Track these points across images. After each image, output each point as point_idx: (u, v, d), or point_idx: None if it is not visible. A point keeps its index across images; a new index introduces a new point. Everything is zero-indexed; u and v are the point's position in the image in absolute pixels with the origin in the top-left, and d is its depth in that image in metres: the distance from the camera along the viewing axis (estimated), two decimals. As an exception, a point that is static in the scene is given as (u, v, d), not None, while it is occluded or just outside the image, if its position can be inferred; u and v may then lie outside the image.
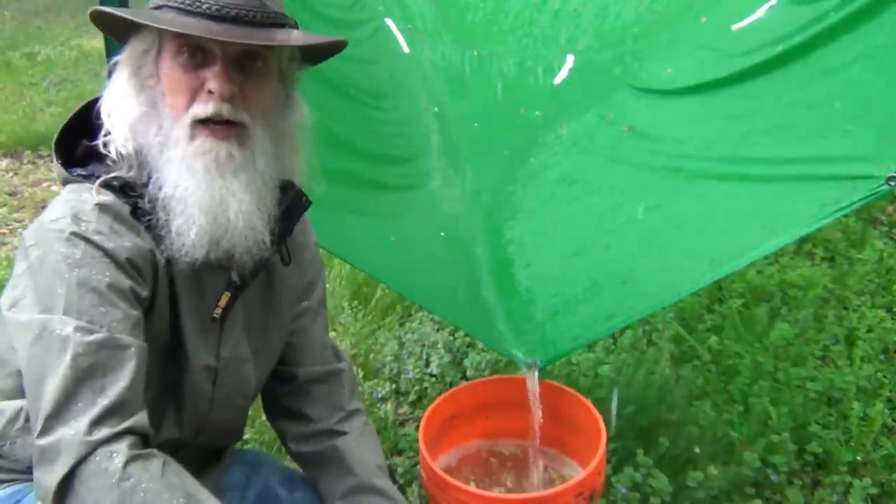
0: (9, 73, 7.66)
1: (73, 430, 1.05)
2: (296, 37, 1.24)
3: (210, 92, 1.18)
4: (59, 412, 1.06)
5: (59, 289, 1.12)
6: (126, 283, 1.16)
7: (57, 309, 1.11)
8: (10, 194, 4.93)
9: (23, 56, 8.30)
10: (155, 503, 1.05)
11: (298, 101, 1.33)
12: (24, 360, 1.13)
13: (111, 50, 2.05)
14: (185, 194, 1.19)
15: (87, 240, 1.15)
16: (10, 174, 5.31)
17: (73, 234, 1.15)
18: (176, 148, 1.20)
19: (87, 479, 1.03)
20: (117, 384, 1.10)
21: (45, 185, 5.07)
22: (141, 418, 1.12)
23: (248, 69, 1.22)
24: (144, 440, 1.12)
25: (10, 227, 4.53)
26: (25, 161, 5.49)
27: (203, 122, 1.19)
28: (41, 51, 8.47)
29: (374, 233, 2.14)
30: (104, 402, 1.07)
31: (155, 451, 1.12)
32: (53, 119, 5.96)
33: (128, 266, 1.17)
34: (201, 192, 1.19)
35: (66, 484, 1.03)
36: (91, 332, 1.10)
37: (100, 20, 1.24)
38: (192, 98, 1.19)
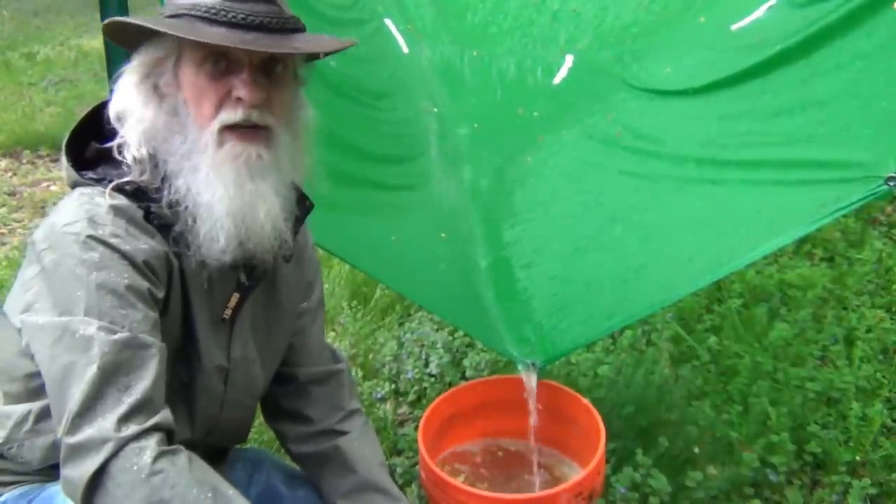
0: (8, 73, 7.66)
1: (102, 428, 1.06)
2: (317, 43, 1.27)
3: (239, 99, 1.19)
4: (87, 411, 1.08)
5: (78, 291, 1.13)
6: (144, 284, 1.17)
7: (77, 311, 1.12)
8: (9, 194, 4.93)
9: (22, 56, 8.30)
10: (184, 497, 1.07)
11: (305, 102, 1.35)
12: (44, 361, 1.13)
13: (111, 50, 2.06)
14: (213, 200, 1.20)
15: (105, 243, 1.15)
16: (10, 174, 5.31)
17: (90, 237, 1.15)
18: (204, 154, 1.20)
19: (116, 475, 1.05)
20: (142, 382, 1.11)
21: (45, 185, 5.07)
22: (166, 415, 1.14)
23: (271, 73, 1.24)
24: (170, 436, 1.13)
25: (10, 227, 4.53)
26: (25, 161, 5.49)
27: (230, 128, 1.20)
28: (41, 51, 8.47)
29: (374, 233, 2.15)
30: (130, 400, 1.09)
31: (181, 446, 1.13)
32: (53, 119, 5.96)
33: (145, 268, 1.18)
34: (230, 198, 1.20)
35: (96, 480, 1.05)
36: (114, 331, 1.12)
37: (114, 30, 1.24)
38: (219, 105, 1.20)
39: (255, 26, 1.18)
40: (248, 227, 1.22)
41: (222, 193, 1.20)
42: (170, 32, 1.18)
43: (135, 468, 1.05)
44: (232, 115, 1.20)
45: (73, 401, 1.08)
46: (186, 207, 1.21)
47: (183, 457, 1.11)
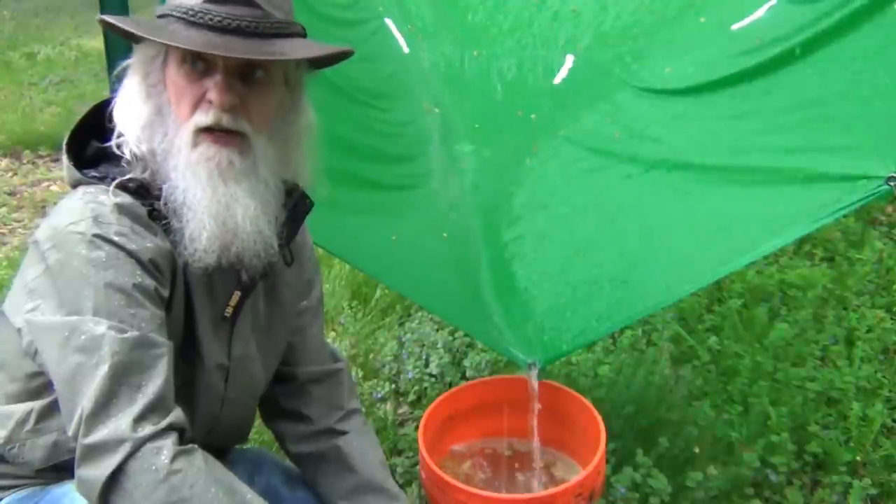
0: (9, 73, 7.66)
1: (118, 429, 1.06)
2: (297, 49, 1.24)
3: (211, 102, 1.19)
4: (101, 411, 1.07)
5: (85, 291, 1.12)
6: (151, 283, 1.17)
7: (85, 310, 1.12)
8: (9, 194, 4.93)
9: (22, 56, 8.30)
10: (203, 496, 1.07)
11: (306, 106, 1.33)
12: (53, 361, 1.13)
13: (111, 50, 2.06)
14: (194, 200, 1.20)
15: (111, 241, 1.15)
16: (10, 174, 5.31)
17: (96, 235, 1.15)
18: (179, 155, 1.20)
19: (134, 475, 1.05)
20: (154, 382, 1.11)
21: (45, 184, 5.07)
22: (179, 414, 1.14)
23: (250, 79, 1.22)
24: (183, 435, 1.13)
25: (10, 226, 4.53)
26: (25, 161, 5.49)
27: (206, 130, 1.20)
28: (41, 51, 8.48)
29: (374, 233, 2.14)
30: (144, 399, 1.09)
31: (195, 445, 1.13)
32: (53, 119, 5.96)
33: (150, 267, 1.18)
34: (208, 199, 1.20)
35: (114, 480, 1.05)
36: (124, 331, 1.11)
37: (111, 27, 1.25)
38: (195, 106, 1.20)
39: (232, 30, 1.17)
40: (229, 228, 1.22)
41: (200, 195, 1.20)
42: (139, 34, 1.18)
43: (153, 468, 1.05)
44: (204, 118, 1.19)
45: (85, 400, 1.07)
46: (174, 207, 1.21)
47: (199, 456, 1.12)
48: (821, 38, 1.94)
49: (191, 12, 1.17)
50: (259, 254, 1.26)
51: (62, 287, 1.14)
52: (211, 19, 1.17)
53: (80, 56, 8.32)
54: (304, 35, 1.27)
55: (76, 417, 1.08)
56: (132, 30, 1.18)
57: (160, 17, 1.21)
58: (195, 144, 1.20)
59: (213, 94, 1.18)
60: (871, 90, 1.79)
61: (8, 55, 8.30)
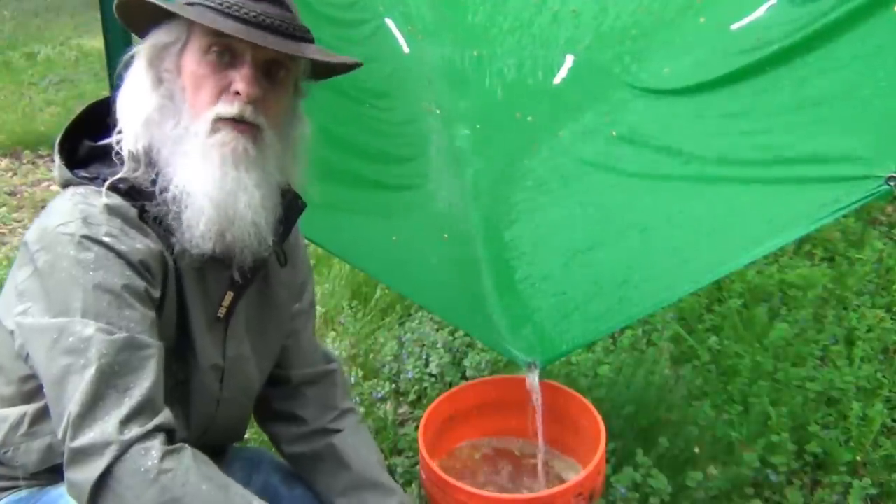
0: (9, 73, 7.68)
1: (104, 431, 1.06)
2: (321, 53, 1.27)
3: (237, 93, 1.20)
4: (87, 413, 1.07)
5: (74, 292, 1.12)
6: (140, 284, 1.17)
7: (74, 312, 1.11)
8: (9, 194, 4.94)
9: (22, 56, 8.32)
10: (195, 494, 1.07)
11: (303, 115, 1.37)
12: (42, 363, 1.13)
13: (111, 50, 2.05)
14: (197, 185, 1.20)
15: (100, 242, 1.15)
16: (10, 174, 5.32)
17: (85, 237, 1.15)
18: (194, 141, 1.21)
19: (123, 477, 1.05)
20: (142, 383, 1.11)
21: (45, 184, 5.07)
22: (167, 415, 1.14)
23: (272, 77, 1.24)
24: (171, 436, 1.13)
25: (10, 226, 4.54)
26: (25, 161, 5.49)
27: (223, 119, 1.21)
28: (41, 51, 8.49)
29: (374, 233, 2.15)
30: (131, 401, 1.09)
31: (184, 444, 1.13)
32: (53, 119, 5.97)
33: (141, 268, 1.18)
34: (213, 182, 1.20)
35: (102, 483, 1.05)
36: (112, 332, 1.11)
37: (126, 9, 1.24)
38: (217, 97, 1.21)
39: (266, 26, 1.19)
40: (228, 215, 1.22)
41: (207, 178, 1.20)
42: (185, 16, 1.19)
43: (142, 469, 1.05)
44: (228, 107, 1.21)
45: (72, 403, 1.07)
46: (173, 195, 1.21)
47: (188, 454, 1.12)
48: (820, 38, 1.94)
49: (226, 4, 1.19)
50: (252, 246, 1.27)
51: (51, 289, 1.14)
52: (247, 13, 1.19)
53: (80, 56, 8.34)
54: (314, 42, 1.29)
55: (64, 420, 1.08)
56: (169, 8, 1.19)
57: (188, 4, 1.21)
58: (213, 132, 1.21)
59: (241, 86, 1.20)
60: (870, 90, 1.79)
61: (8, 55, 8.31)
